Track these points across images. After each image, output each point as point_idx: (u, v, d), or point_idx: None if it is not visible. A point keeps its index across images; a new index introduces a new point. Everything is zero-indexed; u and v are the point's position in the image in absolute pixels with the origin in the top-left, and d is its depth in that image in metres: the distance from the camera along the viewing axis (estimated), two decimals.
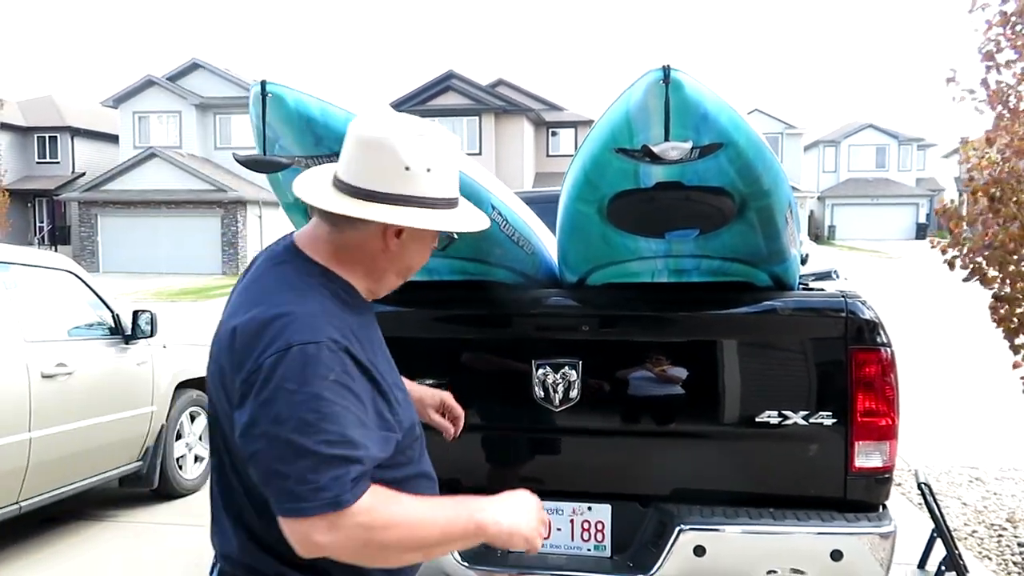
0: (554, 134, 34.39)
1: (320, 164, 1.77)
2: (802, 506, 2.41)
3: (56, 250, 30.93)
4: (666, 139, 1.48)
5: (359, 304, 1.43)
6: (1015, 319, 3.70)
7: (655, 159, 1.47)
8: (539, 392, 2.45)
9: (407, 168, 1.33)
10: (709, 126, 1.60)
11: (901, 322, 13.03)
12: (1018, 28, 3.42)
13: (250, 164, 1.65)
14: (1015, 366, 3.94)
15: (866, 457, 2.40)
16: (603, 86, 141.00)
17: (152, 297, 20.22)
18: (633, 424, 2.54)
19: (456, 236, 1.52)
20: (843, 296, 2.40)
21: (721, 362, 2.42)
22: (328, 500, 1.20)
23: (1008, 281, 3.63)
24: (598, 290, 2.49)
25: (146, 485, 4.94)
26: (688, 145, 1.52)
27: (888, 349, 2.41)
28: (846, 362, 2.37)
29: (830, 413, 2.38)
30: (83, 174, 30.98)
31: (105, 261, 27.67)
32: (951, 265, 3.78)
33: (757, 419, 2.40)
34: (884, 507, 2.45)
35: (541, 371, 2.44)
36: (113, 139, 30.08)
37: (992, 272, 3.75)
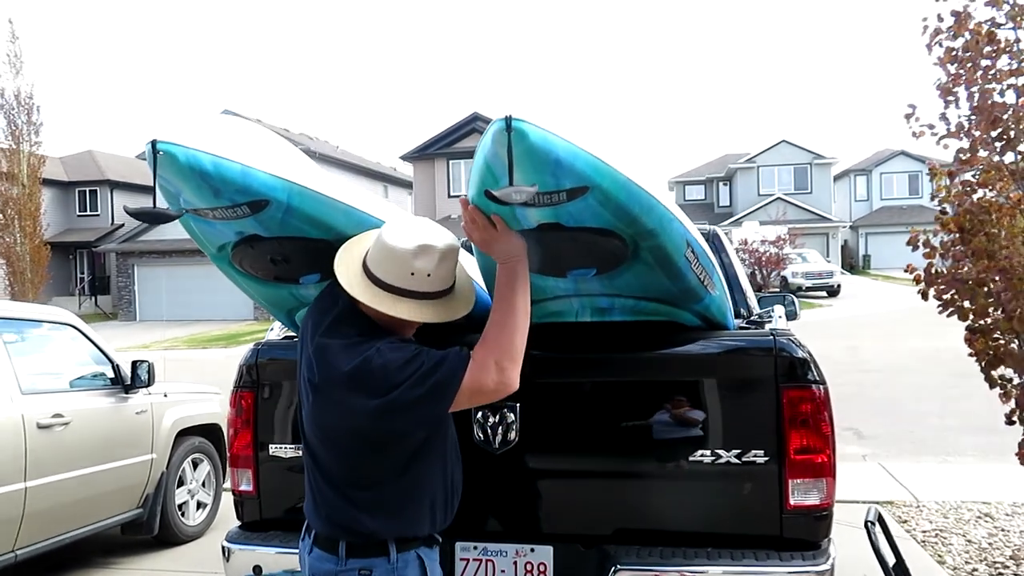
0: None
1: (225, 214, 1.88)
2: (742, 545, 2.41)
3: (96, 300, 31.83)
4: (510, 184, 1.54)
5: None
6: (990, 351, 3.66)
7: (500, 202, 1.55)
8: (479, 435, 2.50)
9: (412, 273, 1.87)
10: (566, 171, 1.62)
11: (931, 351, 12.80)
12: (968, 65, 3.45)
13: (140, 216, 1.73)
14: (1003, 399, 3.89)
15: (802, 495, 2.41)
16: (623, 122, 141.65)
17: (185, 344, 20.63)
18: (572, 465, 2.58)
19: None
20: (772, 335, 2.43)
21: (653, 402, 2.45)
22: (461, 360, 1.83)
23: (980, 314, 3.61)
24: (531, 331, 2.53)
25: (147, 532, 5.04)
26: (533, 189, 1.57)
27: (820, 386, 2.43)
28: (777, 400, 2.39)
29: (762, 451, 2.39)
30: (122, 225, 31.89)
31: (142, 310, 28.32)
32: (924, 295, 3.77)
33: (691, 458, 2.43)
34: (823, 545, 2.44)
35: (479, 413, 2.49)
36: (148, 190, 30.82)
37: (966, 304, 3.73)
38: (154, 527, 5.04)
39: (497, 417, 2.48)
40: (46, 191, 27.32)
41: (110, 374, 4.90)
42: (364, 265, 1.93)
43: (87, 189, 32.99)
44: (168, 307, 27.78)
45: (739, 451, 2.40)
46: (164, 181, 1.80)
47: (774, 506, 2.40)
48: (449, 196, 30.63)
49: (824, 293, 27.75)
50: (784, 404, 2.39)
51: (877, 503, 5.93)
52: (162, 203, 1.82)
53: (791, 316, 5.66)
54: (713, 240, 4.44)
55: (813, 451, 2.41)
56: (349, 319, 1.92)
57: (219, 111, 30.06)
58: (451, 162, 31.10)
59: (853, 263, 40.92)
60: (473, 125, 31.26)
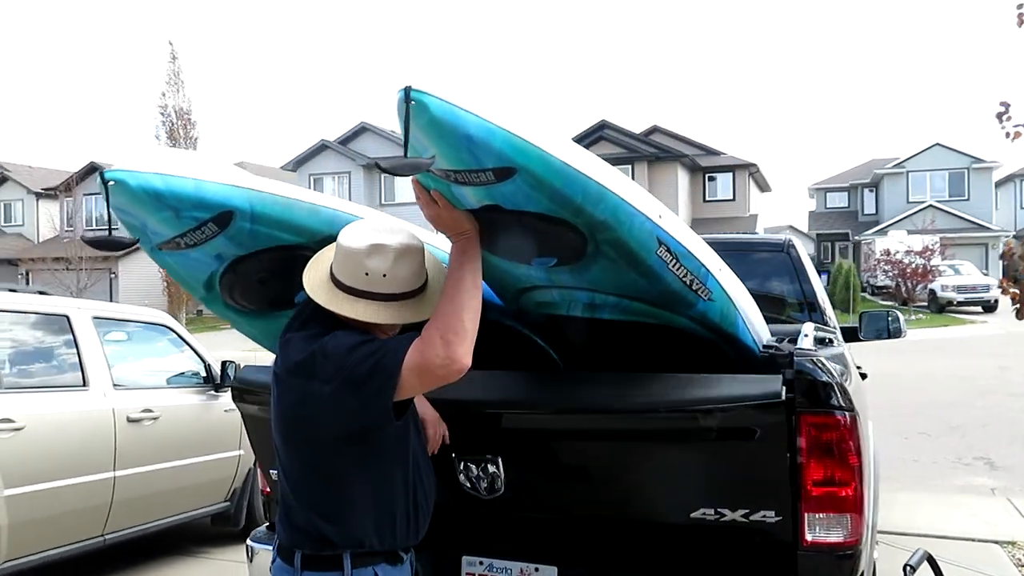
0: (711, 179, 33.71)
1: (195, 238, 1.89)
2: None
3: None
4: (404, 156, 1.49)
5: None
6: None
7: (393, 174, 1.52)
8: (465, 483, 2.43)
9: (366, 273, 1.86)
10: (482, 149, 1.54)
11: None
12: None
13: (96, 244, 1.79)
14: None
15: (822, 531, 2.20)
16: (764, 127, 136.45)
17: None
18: (562, 516, 2.48)
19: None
20: (790, 355, 2.23)
21: (653, 453, 2.30)
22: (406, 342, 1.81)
23: None
24: (511, 379, 2.41)
25: (234, 524, 5.31)
26: (428, 161, 1.52)
27: (847, 413, 2.21)
28: (790, 429, 2.19)
29: (772, 511, 2.20)
30: None
31: None
32: (1019, 315, 3.38)
33: (692, 516, 2.26)
34: None
35: (462, 464, 2.41)
36: None
37: None
38: (240, 520, 5.30)
39: (480, 469, 2.39)
40: None
41: (203, 373, 5.20)
42: (331, 268, 1.93)
43: None
44: None
45: (747, 510, 2.22)
46: (124, 214, 1.83)
47: (788, 544, 2.20)
48: None
49: (979, 308, 25.62)
50: (802, 431, 2.19)
51: (996, 542, 5.39)
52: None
53: (895, 334, 5.23)
54: (788, 250, 4.20)
55: (836, 483, 2.21)
56: (317, 317, 1.92)
57: (356, 124, 31.44)
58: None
59: (1017, 275, 37.48)
60: (601, 133, 31.13)
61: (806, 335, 2.45)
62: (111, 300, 24.79)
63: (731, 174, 33.26)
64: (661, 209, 1.95)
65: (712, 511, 2.23)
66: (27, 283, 26.95)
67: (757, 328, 2.44)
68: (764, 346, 2.32)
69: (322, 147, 31.32)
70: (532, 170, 1.60)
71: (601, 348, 2.40)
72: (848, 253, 38.25)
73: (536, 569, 2.47)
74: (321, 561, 1.87)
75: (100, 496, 4.32)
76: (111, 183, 1.71)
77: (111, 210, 1.77)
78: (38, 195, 35.37)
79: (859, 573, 2.27)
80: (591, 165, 1.73)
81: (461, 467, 2.38)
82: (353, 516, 1.87)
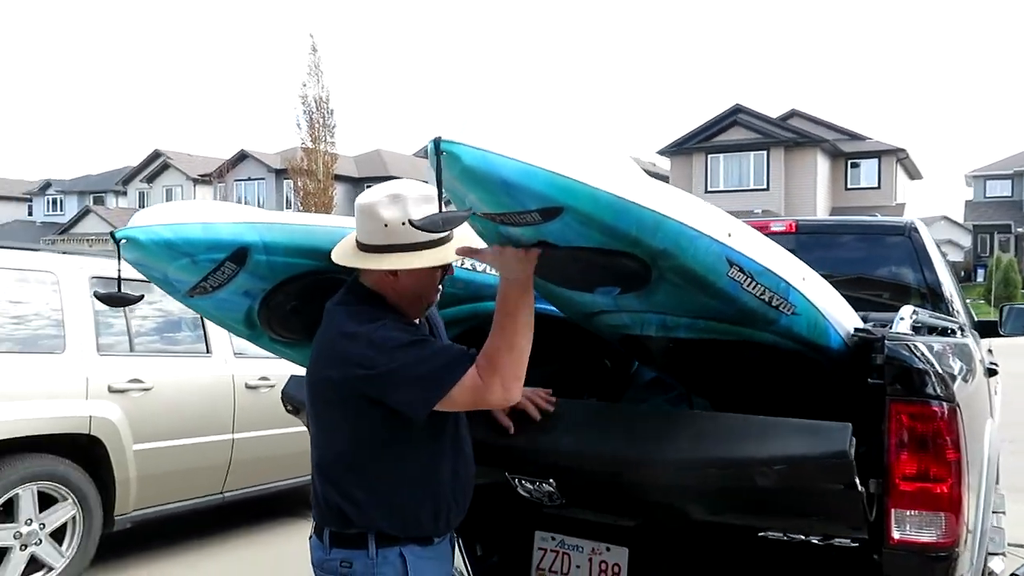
0: (854, 165, 31.91)
1: (218, 280, 1.93)
2: None
3: None
4: (440, 210, 1.44)
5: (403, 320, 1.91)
6: None
7: (424, 230, 1.46)
8: (523, 494, 2.34)
9: (386, 225, 1.82)
10: (523, 191, 1.47)
11: None
12: None
13: (105, 300, 1.89)
14: None
15: (913, 529, 2.05)
16: (916, 109, 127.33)
17: None
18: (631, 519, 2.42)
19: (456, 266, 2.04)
20: (882, 339, 2.08)
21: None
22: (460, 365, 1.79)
23: None
24: (564, 421, 2.24)
25: None
26: (465, 214, 1.48)
27: (944, 404, 2.04)
28: (885, 418, 2.04)
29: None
30: None
31: None
32: None
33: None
34: None
35: (516, 480, 2.31)
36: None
37: None
38: None
39: (535, 486, 2.27)
40: (339, 186, 30.78)
41: None
42: (355, 239, 1.92)
43: (374, 184, 36.69)
44: None
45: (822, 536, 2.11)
46: (145, 268, 1.89)
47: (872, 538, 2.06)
48: (706, 192, 29.79)
49: None
50: (891, 421, 2.04)
51: None
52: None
53: None
54: (910, 234, 3.91)
55: (930, 479, 2.04)
56: (354, 289, 1.93)
57: (490, 108, 31.84)
58: (710, 156, 30.22)
59: None
60: (735, 117, 30.12)
61: (902, 319, 2.27)
62: None
63: (876, 160, 31.35)
64: (732, 226, 1.83)
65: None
66: None
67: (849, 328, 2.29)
68: (856, 329, 2.17)
69: None
70: (579, 208, 1.52)
71: (682, 360, 2.31)
72: (1009, 246, 35.31)
73: (607, 548, 2.43)
74: (347, 539, 1.87)
75: (220, 456, 4.61)
76: (123, 242, 1.78)
77: (132, 266, 1.83)
78: (195, 181, 38.10)
79: None
80: (646, 193, 1.62)
81: (516, 483, 2.31)
82: (372, 502, 1.84)
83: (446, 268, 1.96)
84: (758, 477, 1.96)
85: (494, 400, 1.78)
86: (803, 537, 2.17)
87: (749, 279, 1.84)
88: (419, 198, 1.83)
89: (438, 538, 1.94)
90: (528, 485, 2.26)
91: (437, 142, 1.41)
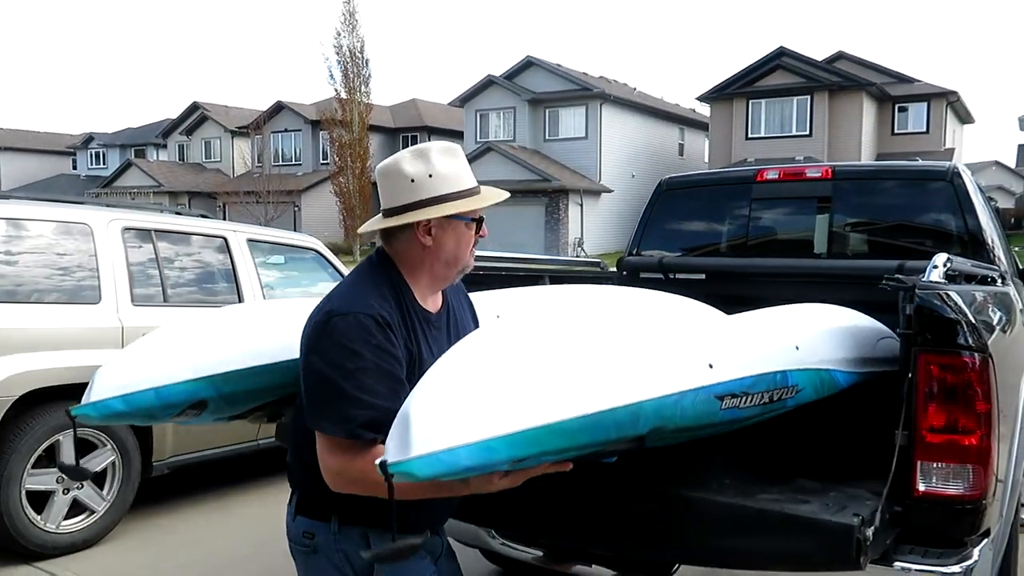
0: (902, 109, 30.84)
1: (185, 417, 1.96)
2: None
3: None
4: (392, 539, 1.34)
5: (415, 308, 1.77)
6: None
7: (377, 562, 1.55)
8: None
9: (412, 180, 1.72)
10: (492, 465, 1.32)
11: None
12: None
13: (68, 472, 1.98)
14: None
15: (939, 481, 2.00)
16: (970, 50, 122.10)
17: None
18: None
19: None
20: (913, 287, 2.00)
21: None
22: (341, 428, 1.57)
23: None
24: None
25: None
26: (416, 543, 1.38)
27: (976, 354, 1.97)
28: (912, 369, 1.99)
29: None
30: None
31: None
32: None
33: None
34: (969, 544, 2.02)
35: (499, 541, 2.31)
36: (459, 135, 33.46)
37: None
38: None
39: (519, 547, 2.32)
40: (374, 137, 30.72)
41: None
42: (381, 209, 1.81)
43: (409, 134, 36.53)
44: None
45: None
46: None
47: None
48: (747, 139, 29.14)
49: None
50: (920, 371, 1.98)
51: None
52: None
53: None
54: (952, 179, 3.77)
55: (958, 431, 1.99)
56: (372, 258, 1.84)
57: (521, 58, 31.38)
58: (751, 102, 29.44)
59: None
60: (778, 61, 29.21)
61: (935, 267, 2.19)
62: (295, 230, 26.64)
63: (925, 104, 30.26)
64: (711, 353, 1.74)
65: None
66: (224, 216, 29.44)
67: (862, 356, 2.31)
68: (885, 278, 2.10)
69: (488, 83, 31.53)
70: (553, 448, 1.40)
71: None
72: None
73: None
74: (311, 508, 1.77)
75: None
76: (77, 419, 1.82)
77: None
78: (233, 133, 38.29)
79: (982, 531, 2.06)
80: (612, 387, 1.47)
81: (498, 543, 2.30)
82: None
83: (479, 228, 1.82)
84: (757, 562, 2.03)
85: (325, 470, 1.61)
86: None
87: (744, 397, 1.80)
88: (442, 149, 1.76)
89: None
90: (511, 549, 2.28)
91: (383, 466, 1.25)
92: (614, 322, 1.64)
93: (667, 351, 1.66)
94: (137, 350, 1.95)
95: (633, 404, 1.50)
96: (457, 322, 1.91)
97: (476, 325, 2.01)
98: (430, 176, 1.72)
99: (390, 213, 1.76)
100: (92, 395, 1.85)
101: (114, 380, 1.85)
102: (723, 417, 1.77)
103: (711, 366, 1.71)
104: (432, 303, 1.83)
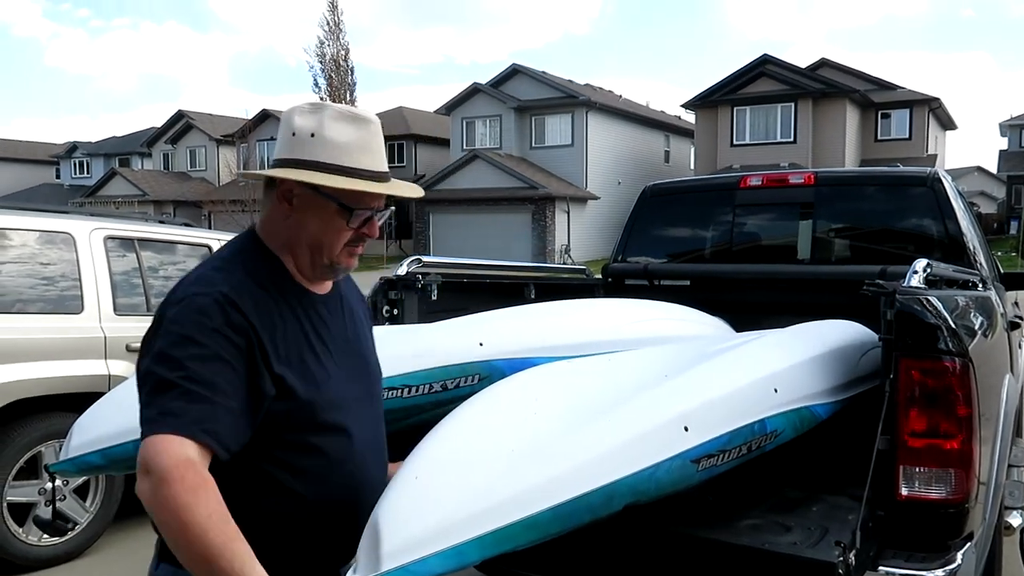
0: (885, 116, 31.15)
1: None
2: None
3: (400, 244, 35.39)
4: None
5: (285, 285, 1.51)
6: None
7: None
8: None
9: (293, 134, 1.49)
10: (463, 567, 1.33)
11: None
12: None
13: (42, 526, 1.92)
14: None
15: (920, 485, 2.01)
16: (951, 58, 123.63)
17: None
18: None
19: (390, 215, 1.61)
20: (894, 293, 2.02)
21: None
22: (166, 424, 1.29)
23: None
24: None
25: None
26: None
27: (955, 359, 1.99)
28: (894, 374, 2.00)
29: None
30: (423, 176, 34.95)
31: (436, 252, 30.95)
32: None
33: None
34: (953, 548, 2.03)
35: None
36: (445, 143, 33.46)
37: None
38: None
39: None
40: None
41: None
42: None
43: (395, 143, 36.50)
44: (458, 251, 30.07)
45: None
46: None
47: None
48: (732, 145, 29.29)
49: None
50: (901, 376, 1.99)
51: None
52: None
53: None
54: (933, 184, 3.80)
55: (940, 435, 2.00)
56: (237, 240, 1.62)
57: (508, 67, 31.43)
58: (736, 109, 29.63)
59: None
60: (762, 69, 29.42)
61: (915, 272, 2.20)
62: None
63: (908, 110, 30.57)
64: (687, 412, 1.74)
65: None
66: (209, 225, 29.26)
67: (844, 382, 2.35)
68: (866, 283, 2.11)
69: (474, 90, 31.59)
70: (525, 541, 1.40)
71: None
72: None
73: None
74: None
75: None
76: (57, 474, 1.84)
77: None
78: (218, 142, 38.17)
79: (966, 534, 2.07)
80: (589, 470, 1.48)
81: None
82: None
83: (362, 226, 1.53)
84: None
85: (141, 485, 1.32)
86: None
87: (721, 454, 1.81)
88: (344, 113, 1.50)
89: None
90: None
91: None
92: (583, 393, 1.62)
93: (641, 419, 1.65)
94: (112, 401, 1.93)
95: (607, 485, 1.50)
96: (352, 313, 1.65)
97: (371, 332, 1.74)
98: (312, 135, 1.47)
99: (273, 164, 1.53)
100: (70, 451, 1.83)
101: (91, 434, 1.83)
102: (700, 478, 1.78)
103: (686, 428, 1.70)
104: (318, 287, 1.57)
